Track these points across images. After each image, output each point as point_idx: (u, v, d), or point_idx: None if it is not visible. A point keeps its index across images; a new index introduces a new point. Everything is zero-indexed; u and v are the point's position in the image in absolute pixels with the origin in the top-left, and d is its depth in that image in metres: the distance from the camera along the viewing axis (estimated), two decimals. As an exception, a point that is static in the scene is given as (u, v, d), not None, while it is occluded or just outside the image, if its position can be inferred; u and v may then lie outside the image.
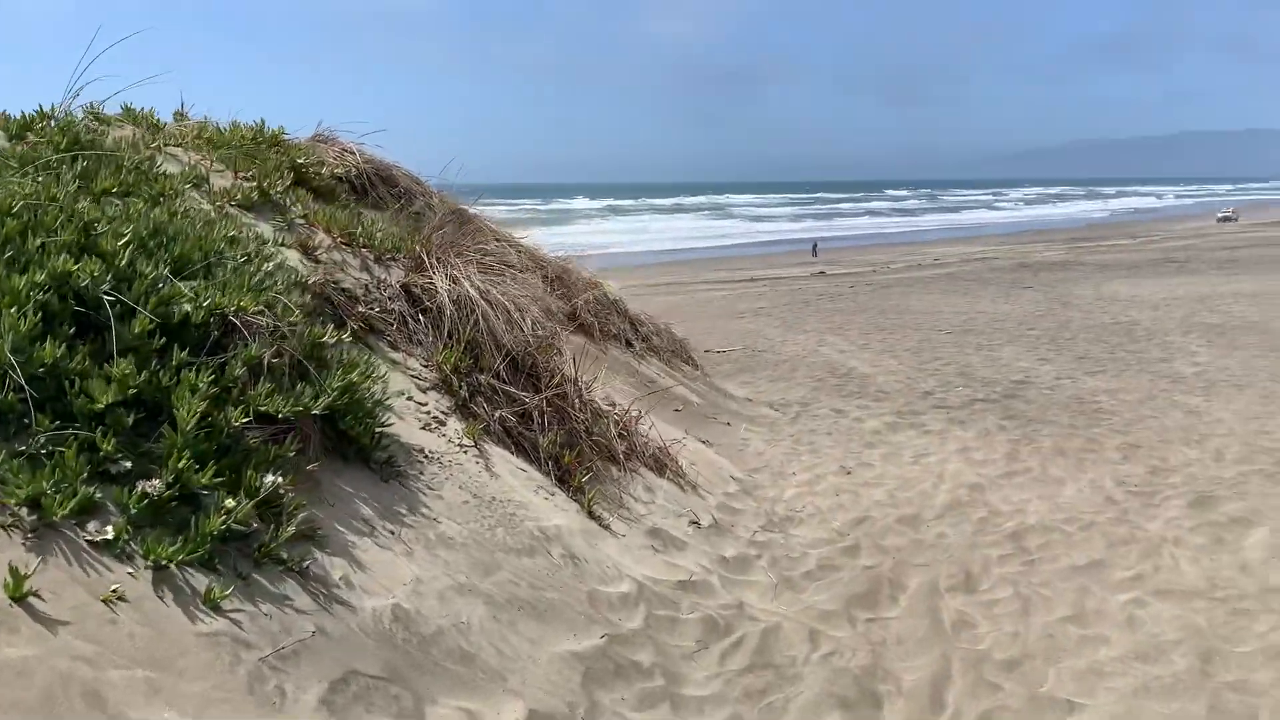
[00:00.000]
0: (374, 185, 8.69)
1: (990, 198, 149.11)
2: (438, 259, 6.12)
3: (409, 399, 5.63)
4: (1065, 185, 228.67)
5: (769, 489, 7.37)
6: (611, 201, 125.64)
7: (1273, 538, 6.28)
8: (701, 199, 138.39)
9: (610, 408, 6.99)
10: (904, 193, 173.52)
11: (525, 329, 6.30)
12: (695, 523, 6.15)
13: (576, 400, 6.28)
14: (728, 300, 28.51)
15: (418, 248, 6.21)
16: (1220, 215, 71.91)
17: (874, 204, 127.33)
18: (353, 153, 8.74)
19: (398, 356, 5.85)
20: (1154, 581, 5.72)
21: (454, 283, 5.97)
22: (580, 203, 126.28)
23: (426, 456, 5.28)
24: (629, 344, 9.77)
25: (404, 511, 4.74)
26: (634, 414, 7.06)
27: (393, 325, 5.85)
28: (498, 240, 9.40)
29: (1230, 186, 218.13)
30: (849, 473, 8.04)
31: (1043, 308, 22.37)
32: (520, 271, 9.24)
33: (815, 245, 51.62)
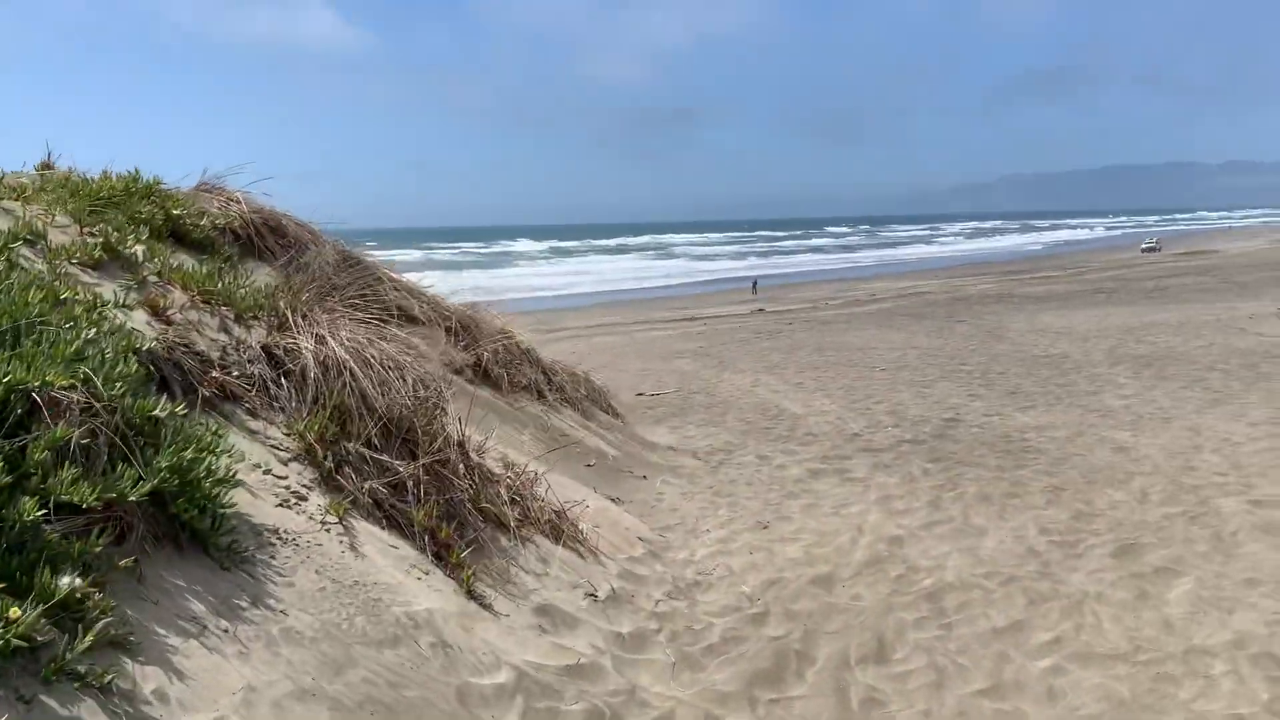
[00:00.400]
0: (261, 236, 8.16)
1: (928, 233, 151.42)
2: (303, 316, 5.61)
3: (266, 473, 5.08)
4: (999, 219, 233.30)
5: (679, 550, 6.90)
6: (555, 243, 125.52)
7: (1196, 589, 5.93)
8: (643, 239, 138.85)
9: (505, 470, 6.49)
10: (844, 229, 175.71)
11: (404, 389, 5.79)
12: (592, 595, 5.66)
13: (461, 465, 5.78)
14: (667, 340, 28.16)
15: (282, 304, 5.70)
16: (1144, 246, 73.39)
17: (814, 241, 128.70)
18: (238, 201, 8.21)
19: (257, 426, 5.31)
20: (1075, 644, 5.31)
21: (319, 342, 5.46)
22: (523, 245, 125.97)
23: (281, 538, 4.73)
24: (541, 395, 9.28)
25: (245, 604, 4.19)
26: (532, 474, 6.57)
27: (252, 391, 5.32)
28: (397, 290, 8.90)
29: (1157, 217, 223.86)
30: (766, 527, 7.60)
31: (975, 342, 22.28)
32: (423, 324, 8.75)
33: (755, 283, 51.63)
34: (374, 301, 8.33)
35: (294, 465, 5.24)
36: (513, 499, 6.14)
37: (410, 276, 11.88)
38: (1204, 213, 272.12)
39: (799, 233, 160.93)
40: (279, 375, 5.45)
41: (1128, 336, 20.85)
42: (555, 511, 6.33)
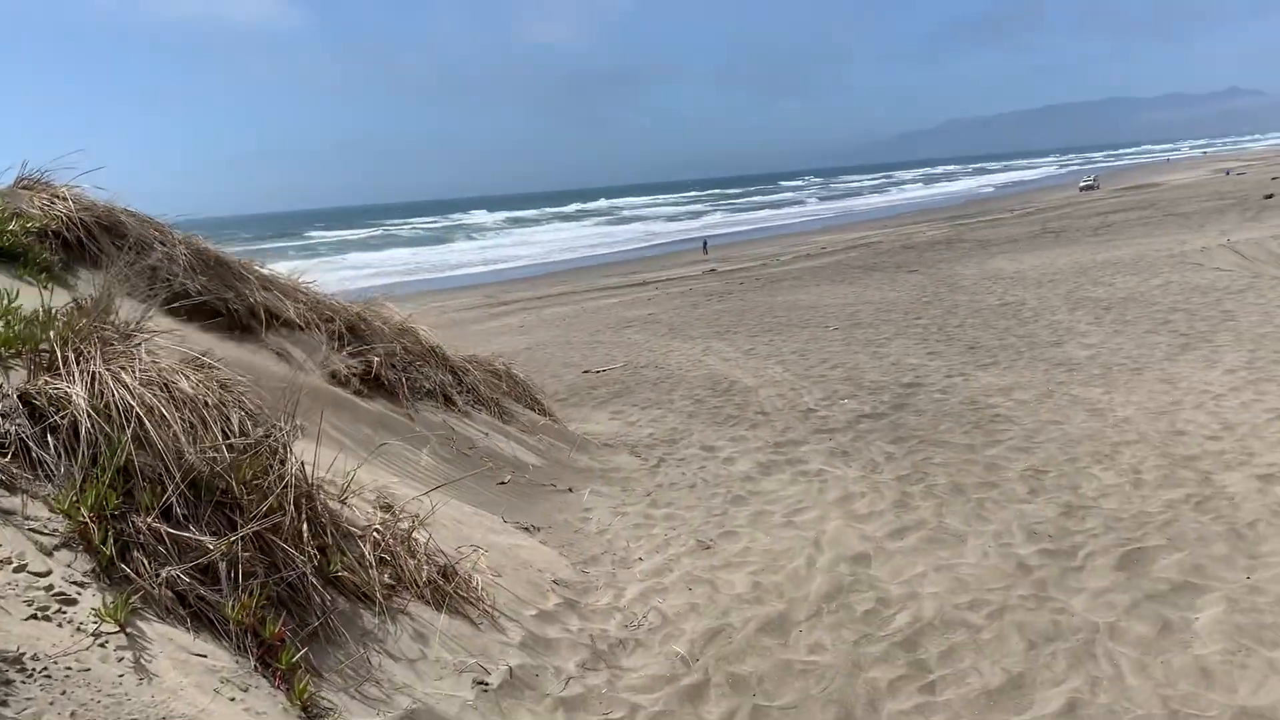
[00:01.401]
0: (94, 238, 6.61)
1: (882, 182, 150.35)
2: (75, 352, 4.16)
3: (19, 569, 3.65)
4: (946, 164, 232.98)
5: (603, 592, 5.55)
6: (510, 214, 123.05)
7: (1229, 614, 4.67)
8: (596, 204, 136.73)
9: (379, 515, 5.09)
10: (798, 183, 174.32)
11: (229, 431, 4.36)
12: (483, 682, 4.31)
13: (305, 527, 4.38)
14: (618, 308, 26.76)
15: (52, 336, 4.24)
16: (1082, 185, 72.49)
17: (765, 197, 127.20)
18: (64, 199, 6.66)
19: (14, 502, 3.87)
20: (1094, 710, 4.05)
21: (95, 384, 4.02)
22: (478, 217, 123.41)
23: (24, 669, 3.32)
24: (448, 400, 7.86)
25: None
26: (415, 516, 5.17)
27: (7, 457, 3.88)
28: (267, 290, 7.41)
29: (1104, 153, 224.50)
30: (708, 548, 6.26)
31: (929, 292, 21.06)
32: (300, 327, 7.28)
33: (705, 243, 50.18)
34: (236, 305, 6.85)
35: (61, 554, 3.80)
36: (383, 558, 4.75)
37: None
38: (1149, 146, 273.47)
39: (749, 189, 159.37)
40: (43, 432, 4.00)
41: (1083, 279, 19.70)
42: (441, 567, 4.95)
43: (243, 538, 4.07)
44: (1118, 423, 8.90)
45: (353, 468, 5.53)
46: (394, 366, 7.62)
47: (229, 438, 4.44)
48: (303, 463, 4.62)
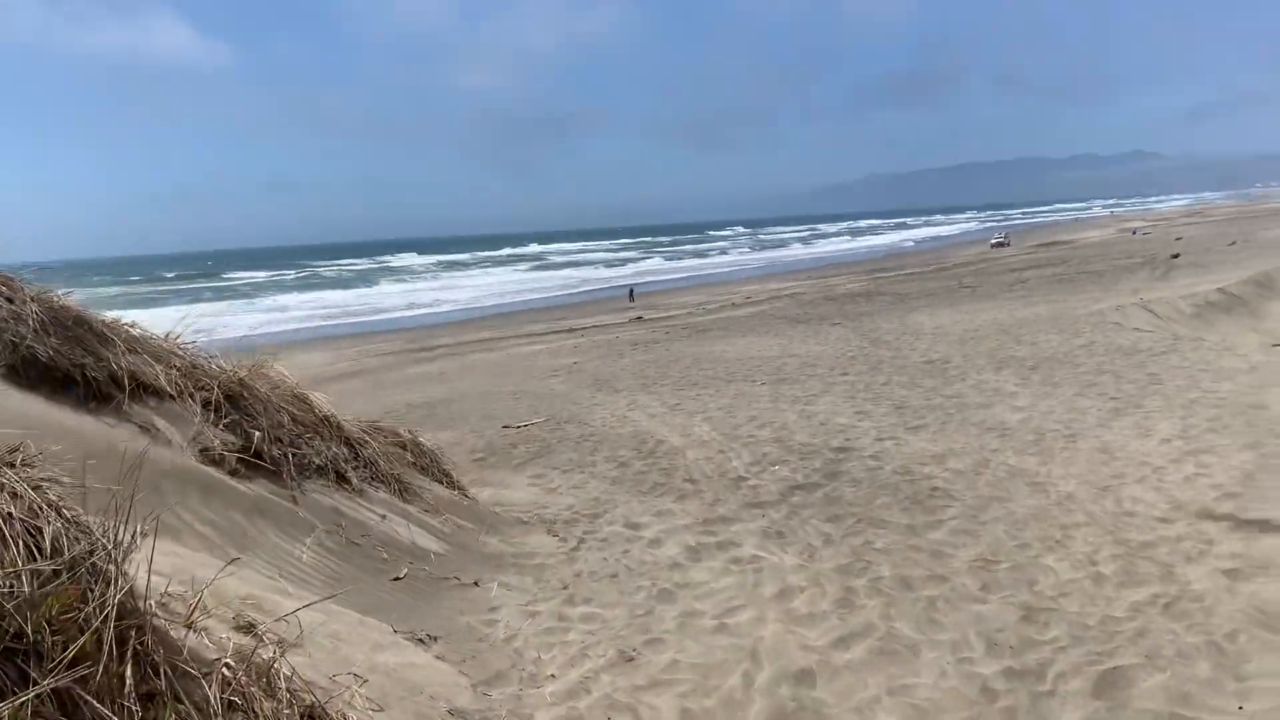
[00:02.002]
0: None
1: (807, 233, 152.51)
2: None
3: None
4: (871, 219, 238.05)
5: (506, 724, 4.64)
6: (440, 257, 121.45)
7: (1232, 757, 3.98)
8: (527, 249, 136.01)
9: (234, 639, 4.11)
10: (726, 232, 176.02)
11: (38, 550, 3.38)
12: None
13: (126, 672, 3.41)
14: (544, 355, 25.82)
15: None
16: (993, 241, 73.99)
17: (693, 245, 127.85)
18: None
19: None
20: None
21: None
22: (408, 259, 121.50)
23: None
24: (341, 478, 6.88)
25: None
26: (281, 641, 4.21)
27: None
28: (134, 353, 6.37)
29: (1022, 211, 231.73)
30: (631, 659, 5.38)
31: (853, 346, 20.61)
32: (171, 397, 6.25)
33: (632, 290, 49.66)
34: (95, 371, 5.82)
35: None
36: (233, 701, 3.78)
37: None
38: (1060, 204, 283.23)
39: (679, 238, 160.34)
40: None
41: (1005, 337, 19.43)
42: (308, 708, 3.99)
43: (37, 697, 3.08)
44: (1061, 500, 8.30)
45: (214, 573, 4.54)
46: (279, 440, 6.62)
47: (37, 558, 3.45)
48: (131, 586, 3.64)
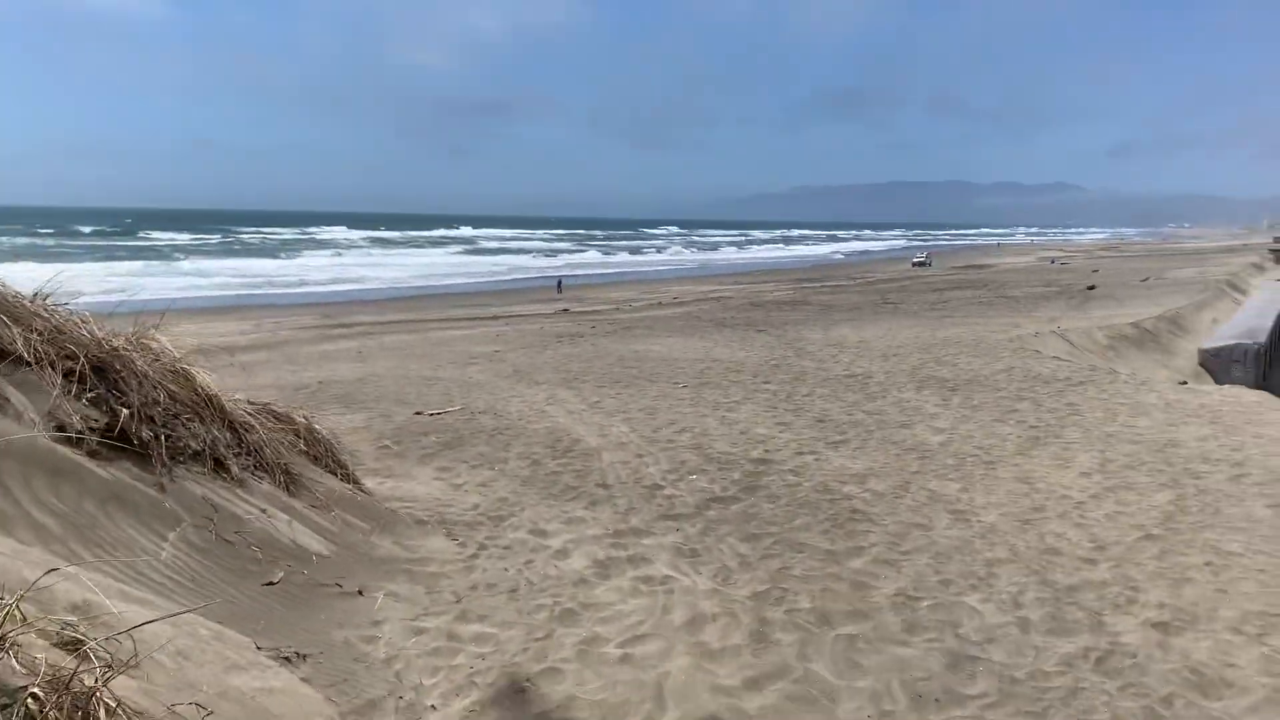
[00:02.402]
0: None
1: (740, 238, 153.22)
2: None
3: None
4: (803, 229, 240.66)
5: (374, 765, 4.01)
6: (370, 233, 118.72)
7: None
8: (459, 232, 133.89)
9: (43, 662, 3.42)
10: (660, 231, 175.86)
11: None
12: None
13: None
14: (464, 342, 24.96)
15: None
16: (915, 261, 75.13)
17: (627, 242, 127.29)
18: None
19: None
20: None
21: None
22: (337, 232, 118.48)
23: None
24: (220, 465, 6.14)
25: None
26: (109, 662, 3.52)
27: None
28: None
29: (952, 233, 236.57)
30: (523, 691, 4.81)
31: (777, 354, 20.28)
32: (28, 364, 5.45)
33: (560, 282, 48.90)
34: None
35: None
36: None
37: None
38: (986, 229, 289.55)
39: (613, 233, 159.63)
40: None
41: (926, 356, 19.30)
42: (130, 749, 3.32)
43: None
44: (984, 531, 7.95)
45: (44, 572, 3.83)
46: (152, 420, 5.86)
47: None
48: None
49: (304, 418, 7.56)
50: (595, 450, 11.53)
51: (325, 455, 7.48)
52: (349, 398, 15.61)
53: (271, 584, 5.36)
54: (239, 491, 6.10)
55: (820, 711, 4.61)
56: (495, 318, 32.99)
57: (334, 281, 52.86)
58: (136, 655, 3.86)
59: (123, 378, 5.96)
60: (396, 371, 18.92)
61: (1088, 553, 7.30)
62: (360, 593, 5.74)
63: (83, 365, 5.72)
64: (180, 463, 5.92)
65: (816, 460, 10.91)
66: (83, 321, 6.32)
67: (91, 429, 5.51)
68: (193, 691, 3.94)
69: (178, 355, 6.57)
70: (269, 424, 6.97)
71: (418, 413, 14.28)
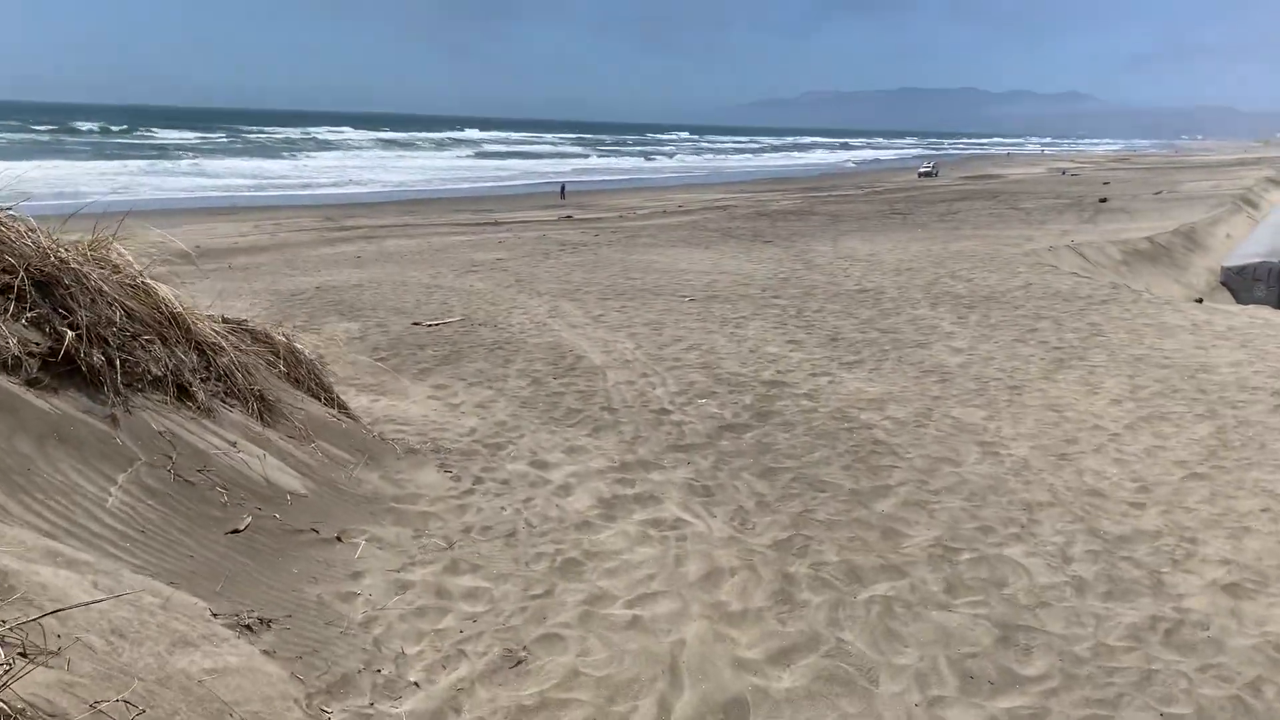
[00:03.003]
0: None
1: (750, 145, 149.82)
2: None
3: None
4: (815, 135, 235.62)
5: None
6: (377, 134, 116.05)
7: None
8: (462, 135, 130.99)
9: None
10: (669, 137, 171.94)
11: None
12: None
13: None
14: (466, 248, 24.01)
15: None
16: (921, 171, 73.10)
17: (635, 148, 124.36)
18: None
19: None
20: None
21: None
22: (345, 133, 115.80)
23: None
24: (185, 393, 5.39)
25: None
26: (22, 649, 2.85)
27: None
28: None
29: (965, 140, 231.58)
30: (520, 661, 4.16)
31: (785, 268, 19.36)
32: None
33: (564, 187, 47.46)
34: None
35: None
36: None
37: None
38: (999, 138, 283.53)
39: (622, 139, 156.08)
40: None
41: (940, 270, 18.39)
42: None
43: None
44: (1018, 468, 7.24)
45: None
46: (105, 342, 5.09)
47: None
48: None
49: (284, 336, 6.78)
50: (599, 369, 10.79)
51: (308, 378, 6.73)
52: (346, 304, 14.84)
53: (236, 532, 4.66)
54: (205, 422, 5.36)
55: (859, 696, 3.95)
56: (498, 224, 31.91)
57: (337, 184, 51.48)
58: (61, 637, 3.17)
59: (71, 294, 5.16)
60: (395, 279, 18.08)
61: (1132, 494, 6.61)
62: (339, 539, 5.04)
63: (21, 280, 4.91)
64: (139, 390, 5.16)
65: (831, 383, 10.18)
66: (29, 230, 5.49)
67: (30, 354, 4.73)
68: (128, 680, 3.25)
69: (139, 269, 5.75)
70: (243, 344, 6.20)
71: (415, 323, 13.53)
